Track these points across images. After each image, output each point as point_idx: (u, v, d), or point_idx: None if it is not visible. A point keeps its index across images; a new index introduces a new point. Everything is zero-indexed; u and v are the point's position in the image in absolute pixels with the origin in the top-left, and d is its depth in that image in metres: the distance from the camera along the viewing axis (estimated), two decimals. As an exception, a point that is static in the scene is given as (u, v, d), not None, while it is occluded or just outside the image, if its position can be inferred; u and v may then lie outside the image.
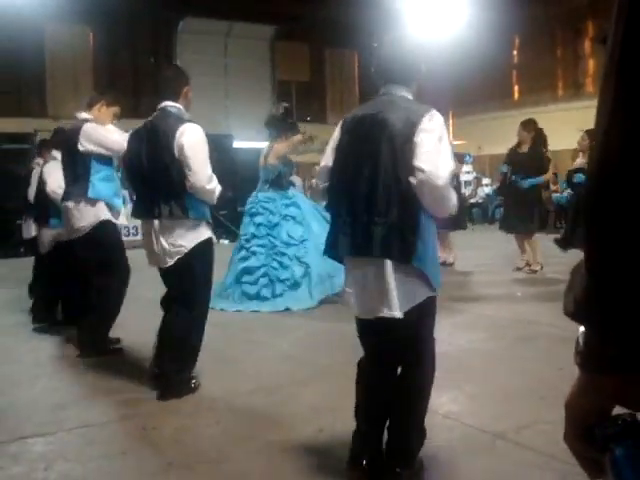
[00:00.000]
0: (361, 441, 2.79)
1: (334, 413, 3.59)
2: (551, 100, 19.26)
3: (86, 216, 4.96)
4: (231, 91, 19.66)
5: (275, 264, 6.86)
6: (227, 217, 14.12)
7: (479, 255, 10.22)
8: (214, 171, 4.03)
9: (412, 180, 2.53)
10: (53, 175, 6.03)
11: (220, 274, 6.32)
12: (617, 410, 0.81)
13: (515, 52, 21.06)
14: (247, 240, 7.05)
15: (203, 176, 3.90)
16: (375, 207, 2.61)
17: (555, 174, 17.33)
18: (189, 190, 3.91)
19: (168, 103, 4.07)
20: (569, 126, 16.05)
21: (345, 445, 2.96)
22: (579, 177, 7.72)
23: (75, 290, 5.81)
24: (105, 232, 4.99)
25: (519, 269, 8.66)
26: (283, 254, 6.89)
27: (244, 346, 5.15)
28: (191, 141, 3.90)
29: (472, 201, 17.94)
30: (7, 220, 12.71)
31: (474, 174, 19.32)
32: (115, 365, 4.78)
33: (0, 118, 15.62)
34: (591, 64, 18.69)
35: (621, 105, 0.71)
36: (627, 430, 0.78)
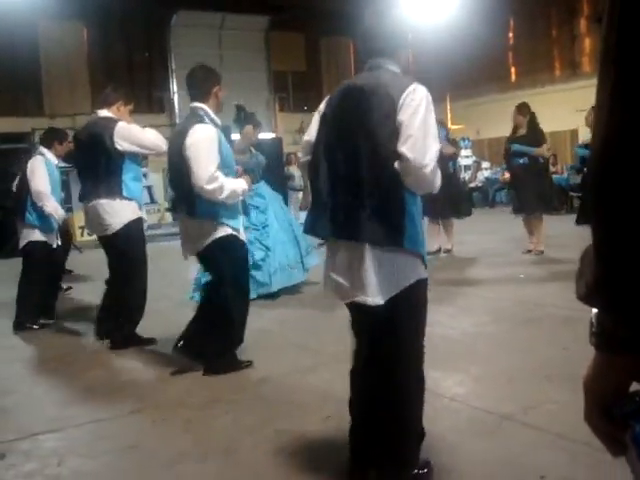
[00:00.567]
0: (350, 439, 2.72)
1: (341, 400, 3.61)
2: (548, 81, 19.17)
3: (120, 214, 5.04)
4: (226, 83, 19.43)
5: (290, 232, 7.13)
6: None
7: (481, 239, 10.21)
8: None
9: (397, 165, 2.40)
10: (37, 172, 5.99)
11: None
12: (634, 387, 0.82)
13: (511, 34, 20.94)
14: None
15: (202, 176, 3.90)
16: (357, 189, 2.47)
17: (555, 155, 17.31)
18: (195, 190, 3.97)
19: (195, 104, 4.18)
20: (567, 106, 16.02)
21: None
22: (581, 151, 7.67)
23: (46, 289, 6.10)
24: (135, 229, 5.10)
25: (529, 252, 8.59)
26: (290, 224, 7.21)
27: (250, 336, 5.15)
28: (193, 141, 3.95)
29: (472, 185, 17.90)
30: (6, 220, 12.69)
31: (473, 158, 19.28)
32: (121, 360, 4.81)
33: (-3, 118, 15.60)
34: (587, 43, 18.59)
35: (620, 90, 0.72)
36: None
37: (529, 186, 8.36)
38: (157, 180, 15.41)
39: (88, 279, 8.44)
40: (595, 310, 0.83)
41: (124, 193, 5.02)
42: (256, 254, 6.82)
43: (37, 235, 6.09)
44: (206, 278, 6.58)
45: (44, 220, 6.06)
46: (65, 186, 13.36)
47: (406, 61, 2.69)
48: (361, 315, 2.60)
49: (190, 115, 4.22)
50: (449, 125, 19.76)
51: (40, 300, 6.18)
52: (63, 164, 7.32)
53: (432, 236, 9.29)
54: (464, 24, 17.93)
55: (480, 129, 19.99)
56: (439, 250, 9.26)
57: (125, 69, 19.08)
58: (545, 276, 6.99)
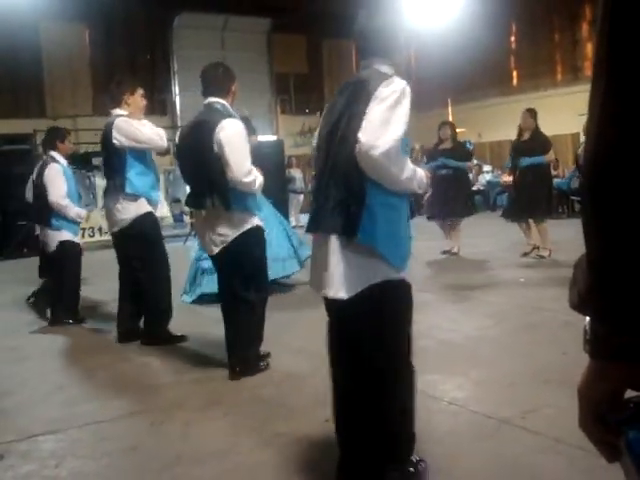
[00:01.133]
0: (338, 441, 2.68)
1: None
2: (550, 85, 19.19)
3: (127, 210, 5.09)
4: (229, 85, 19.64)
5: (282, 227, 7.34)
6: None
7: (482, 242, 10.21)
8: None
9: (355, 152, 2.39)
10: (55, 183, 6.10)
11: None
12: (629, 393, 0.82)
13: (513, 38, 20.96)
14: None
15: (240, 170, 4.00)
16: (329, 182, 2.50)
17: (556, 159, 17.31)
18: (230, 183, 4.02)
19: (213, 99, 4.21)
20: (569, 111, 16.02)
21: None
22: None
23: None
24: (146, 225, 5.11)
25: (526, 254, 8.61)
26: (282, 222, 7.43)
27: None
28: (229, 136, 4.01)
29: (474, 188, 17.90)
30: (8, 221, 12.72)
31: (475, 161, 19.27)
32: (122, 362, 4.81)
33: (-1, 119, 15.64)
34: (589, 48, 18.59)
35: (611, 99, 0.73)
36: (639, 413, 0.80)
37: (528, 192, 8.35)
38: (163, 180, 15.39)
39: (88, 281, 8.42)
40: (588, 318, 0.83)
41: (127, 190, 5.04)
42: None
43: (65, 235, 6.22)
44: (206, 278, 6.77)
45: (69, 222, 6.22)
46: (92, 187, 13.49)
47: (401, 61, 2.70)
48: (329, 309, 2.63)
49: (208, 110, 4.20)
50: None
51: (76, 296, 6.31)
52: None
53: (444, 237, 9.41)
54: (466, 28, 17.96)
55: (482, 133, 20.01)
56: (450, 251, 9.35)
57: (127, 71, 19.07)
58: (545, 280, 6.98)
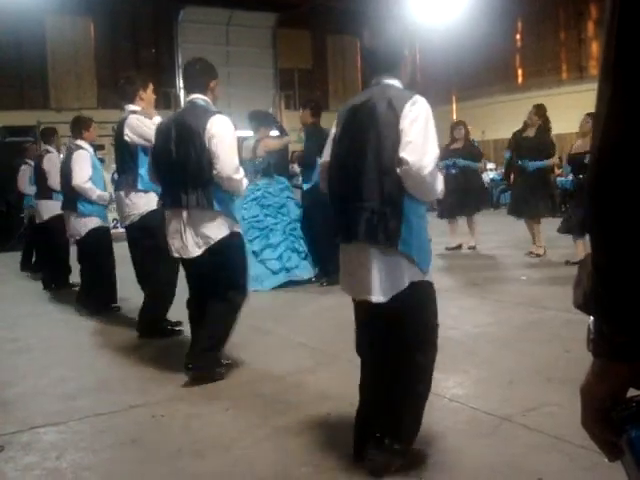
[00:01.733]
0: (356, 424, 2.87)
1: (341, 399, 3.62)
2: (555, 83, 19.13)
3: (137, 205, 5.16)
4: (233, 80, 19.56)
5: (292, 238, 7.47)
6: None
7: (484, 240, 10.20)
8: None
9: (397, 170, 2.58)
10: (79, 166, 6.21)
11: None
12: (632, 392, 0.82)
13: (518, 35, 20.89)
14: (258, 221, 7.41)
15: (230, 165, 3.97)
16: (361, 194, 2.67)
17: (560, 158, 17.27)
18: (215, 179, 3.96)
19: (196, 96, 4.16)
20: (574, 109, 15.92)
21: (352, 429, 2.99)
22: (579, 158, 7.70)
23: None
24: (156, 219, 5.05)
25: (532, 253, 8.61)
26: (295, 229, 7.53)
27: (251, 334, 5.17)
28: (221, 132, 3.98)
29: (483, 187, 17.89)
30: (12, 212, 12.74)
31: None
32: (123, 355, 4.82)
33: (2, 111, 15.62)
34: (595, 47, 18.54)
35: (617, 100, 0.72)
36: None
37: (528, 189, 8.35)
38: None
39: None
40: (592, 317, 0.83)
41: (139, 186, 5.13)
42: (303, 244, 7.50)
43: (95, 222, 6.27)
44: None
45: (97, 206, 6.27)
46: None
47: (406, 74, 2.86)
48: (368, 312, 2.78)
49: (192, 106, 4.13)
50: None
51: (113, 281, 6.35)
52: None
53: (450, 233, 9.58)
54: (472, 25, 17.91)
55: (486, 130, 19.95)
56: (459, 246, 9.40)
57: (132, 64, 19.05)
58: (547, 278, 6.98)
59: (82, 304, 6.38)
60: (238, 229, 4.18)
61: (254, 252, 7.16)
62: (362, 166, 2.67)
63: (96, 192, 6.24)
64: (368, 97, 2.76)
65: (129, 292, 6.17)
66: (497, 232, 11.10)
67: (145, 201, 5.14)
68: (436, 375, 3.95)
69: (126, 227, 5.37)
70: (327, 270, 7.07)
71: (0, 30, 16.01)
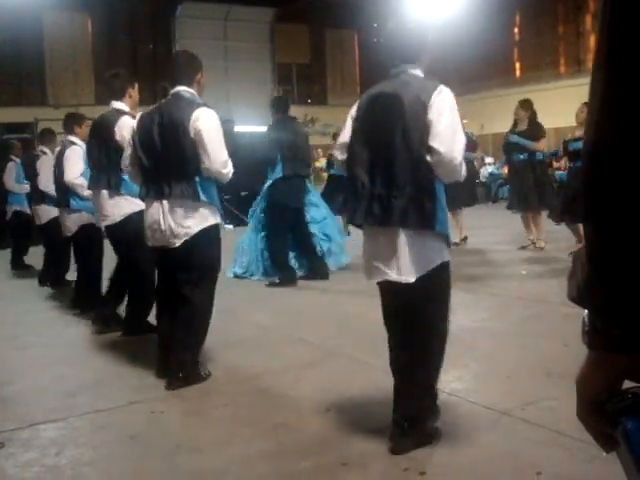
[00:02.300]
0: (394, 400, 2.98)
1: (340, 394, 3.63)
2: (553, 77, 19.13)
3: (118, 207, 5.04)
4: (231, 75, 19.59)
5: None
6: (231, 202, 14.03)
7: (483, 234, 10.21)
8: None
9: (429, 159, 2.71)
10: (71, 162, 6.12)
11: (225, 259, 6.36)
12: (627, 384, 0.82)
13: (516, 29, 20.88)
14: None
15: (219, 160, 3.93)
16: (393, 181, 2.78)
17: (557, 151, 17.27)
18: (204, 173, 3.94)
19: (181, 88, 4.09)
20: (572, 103, 15.94)
21: (351, 424, 3.00)
22: (572, 145, 7.72)
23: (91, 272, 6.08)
24: (137, 221, 5.01)
25: (524, 247, 8.66)
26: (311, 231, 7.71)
27: (250, 330, 5.17)
28: (207, 125, 3.92)
29: (475, 180, 17.89)
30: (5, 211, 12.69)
31: (478, 154, 19.23)
32: (122, 352, 4.82)
33: (0, 108, 15.61)
34: (593, 40, 18.45)
35: (610, 94, 0.72)
36: (637, 403, 0.80)
37: (526, 182, 8.39)
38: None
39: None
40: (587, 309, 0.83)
41: (122, 191, 4.98)
42: (323, 245, 7.69)
43: (85, 217, 6.15)
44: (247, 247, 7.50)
45: (88, 202, 6.11)
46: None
47: (428, 65, 2.96)
48: (395, 292, 2.88)
49: (177, 98, 4.06)
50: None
51: (99, 280, 6.26)
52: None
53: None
54: (469, 19, 17.89)
55: (484, 124, 19.96)
56: (464, 238, 9.40)
57: (129, 60, 19.06)
58: (546, 272, 6.99)
59: (72, 302, 6.38)
60: (218, 219, 4.10)
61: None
62: (393, 155, 2.78)
63: (86, 189, 6.07)
64: (393, 86, 2.85)
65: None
66: (497, 226, 11.10)
67: (126, 204, 5.00)
68: (435, 370, 3.97)
69: (106, 227, 5.21)
70: (280, 268, 7.24)
71: (-3, 27, 15.98)
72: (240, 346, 4.63)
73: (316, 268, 7.38)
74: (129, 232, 4.97)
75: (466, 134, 9.19)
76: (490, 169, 19.39)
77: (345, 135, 3.06)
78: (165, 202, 3.95)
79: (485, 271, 7.43)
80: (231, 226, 12.81)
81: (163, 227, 3.96)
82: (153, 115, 4.07)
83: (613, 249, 0.75)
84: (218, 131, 4.00)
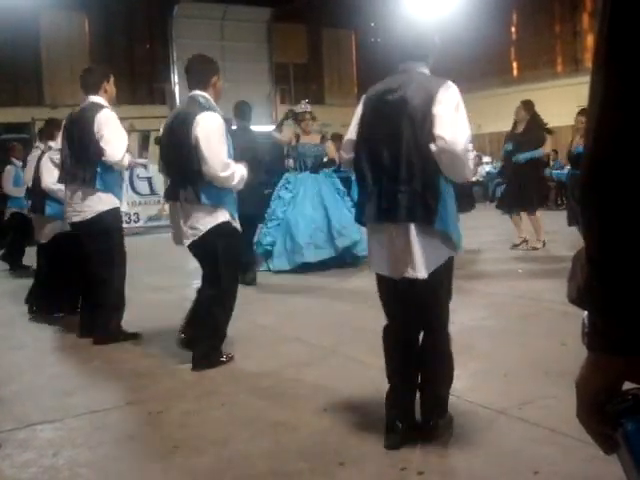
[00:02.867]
0: (394, 400, 2.97)
1: (338, 394, 3.62)
2: (550, 76, 19.14)
3: (90, 203, 4.95)
4: (228, 74, 19.51)
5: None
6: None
7: (481, 233, 10.21)
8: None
9: (432, 147, 2.70)
10: (47, 169, 6.03)
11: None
12: (627, 385, 0.82)
13: (513, 28, 20.88)
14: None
15: (216, 164, 3.99)
16: (399, 177, 2.80)
17: (555, 150, 17.27)
18: (205, 176, 4.01)
19: (196, 92, 4.19)
20: (568, 102, 15.96)
21: (349, 424, 3.00)
22: (578, 149, 7.73)
23: (75, 280, 5.85)
24: (109, 220, 4.99)
25: (515, 246, 8.68)
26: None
27: (248, 329, 5.17)
28: (205, 130, 3.99)
29: (473, 180, 17.90)
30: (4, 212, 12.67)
31: (474, 152, 19.23)
32: (119, 351, 4.81)
33: (-3, 108, 15.60)
34: (590, 39, 18.52)
35: (612, 91, 0.72)
36: (637, 404, 0.80)
37: (524, 182, 8.36)
38: (157, 171, 15.30)
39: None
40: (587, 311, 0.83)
41: (97, 185, 4.91)
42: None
43: (61, 225, 5.97)
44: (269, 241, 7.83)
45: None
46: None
47: (433, 63, 2.99)
48: (408, 288, 2.89)
49: (191, 102, 4.21)
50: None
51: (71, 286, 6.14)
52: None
53: None
54: (467, 18, 17.88)
55: (481, 123, 19.94)
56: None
57: (126, 60, 19.06)
58: (543, 271, 7.00)
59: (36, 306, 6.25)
60: (227, 218, 4.16)
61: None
62: (399, 150, 2.78)
63: (62, 194, 5.86)
64: (399, 83, 2.86)
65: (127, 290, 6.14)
66: (493, 226, 11.11)
67: (101, 199, 4.94)
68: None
69: (75, 224, 5.10)
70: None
71: (-6, 26, 15.94)
72: (238, 346, 4.63)
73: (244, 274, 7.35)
74: (99, 230, 4.93)
75: None
76: (487, 168, 19.39)
77: (352, 133, 3.06)
78: (179, 205, 4.16)
79: (482, 270, 7.44)
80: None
81: (181, 228, 4.17)
82: (170, 120, 4.29)
83: (613, 250, 0.74)
84: (216, 135, 4.03)
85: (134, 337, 5.08)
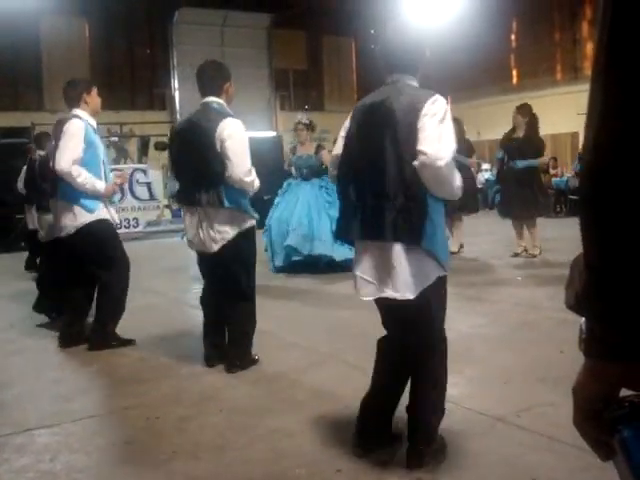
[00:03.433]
0: (367, 404, 2.92)
1: (336, 399, 3.62)
2: (550, 84, 19.19)
3: (71, 218, 4.91)
4: (228, 80, 19.64)
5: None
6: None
7: (480, 240, 10.22)
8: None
9: (415, 163, 2.59)
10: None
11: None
12: (624, 392, 0.82)
13: (513, 36, 20.95)
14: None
15: (242, 168, 4.07)
16: (383, 192, 2.68)
17: (555, 158, 17.30)
18: (227, 180, 4.07)
19: (210, 99, 4.24)
20: (568, 110, 16.03)
21: (346, 429, 2.99)
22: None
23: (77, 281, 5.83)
24: (97, 229, 4.94)
25: (517, 255, 8.67)
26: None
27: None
28: (232, 135, 4.07)
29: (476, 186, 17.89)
30: (7, 214, 12.71)
31: (474, 159, 19.24)
32: (118, 356, 4.81)
33: (-3, 112, 15.61)
34: (589, 48, 18.58)
35: (611, 105, 0.73)
36: (634, 411, 0.80)
37: (518, 190, 8.37)
38: (156, 177, 15.33)
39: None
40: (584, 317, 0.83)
41: (74, 201, 4.86)
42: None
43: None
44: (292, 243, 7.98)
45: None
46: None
47: (423, 76, 2.88)
48: (391, 309, 2.81)
49: (205, 108, 4.23)
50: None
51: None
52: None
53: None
54: (467, 26, 17.95)
55: (481, 131, 19.99)
56: (458, 249, 9.35)
57: (127, 65, 19.11)
58: (542, 279, 7.00)
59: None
60: (252, 223, 4.28)
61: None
62: (384, 165, 2.68)
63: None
64: (386, 95, 2.77)
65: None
66: (491, 233, 11.11)
67: (80, 213, 4.89)
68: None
69: (64, 239, 5.04)
70: None
71: (-6, 31, 15.97)
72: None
73: None
74: (86, 243, 4.92)
75: (466, 139, 9.20)
76: (487, 175, 19.41)
77: (337, 148, 2.98)
78: (199, 210, 4.18)
79: (481, 277, 7.44)
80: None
81: (201, 234, 4.20)
82: (185, 125, 4.33)
83: (612, 257, 0.75)
84: (242, 140, 4.14)
85: (128, 343, 5.08)
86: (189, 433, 3.34)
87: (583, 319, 0.83)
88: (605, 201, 0.74)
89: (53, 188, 5.09)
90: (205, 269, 4.47)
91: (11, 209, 12.14)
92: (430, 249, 2.68)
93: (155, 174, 15.27)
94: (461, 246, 9.43)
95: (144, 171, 14.88)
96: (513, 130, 8.68)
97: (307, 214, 8.11)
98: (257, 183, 4.23)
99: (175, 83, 19.79)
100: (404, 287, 2.67)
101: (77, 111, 5.05)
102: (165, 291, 7.41)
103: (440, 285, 2.77)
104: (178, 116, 18.42)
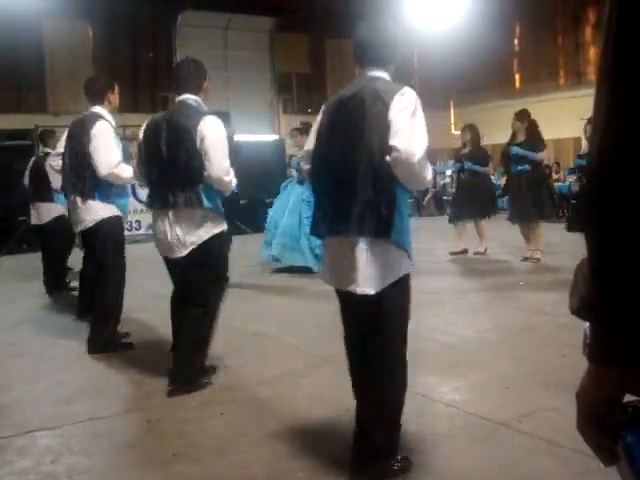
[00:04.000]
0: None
1: (335, 402, 3.62)
2: (553, 89, 19.17)
3: (91, 212, 4.96)
4: (231, 84, 19.60)
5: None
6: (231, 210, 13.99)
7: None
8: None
9: (387, 159, 2.55)
10: (51, 174, 6.45)
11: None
12: (628, 397, 0.82)
13: (516, 40, 20.94)
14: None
15: (221, 168, 3.94)
16: (351, 186, 2.63)
17: (557, 163, 17.29)
18: (205, 180, 3.94)
19: (187, 96, 4.10)
20: (571, 114, 16.01)
21: (346, 434, 2.99)
22: (578, 161, 7.75)
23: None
24: (110, 228, 5.00)
25: (526, 259, 8.61)
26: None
27: (244, 338, 5.16)
28: (212, 133, 3.94)
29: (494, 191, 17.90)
30: (9, 216, 12.72)
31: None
32: (119, 359, 4.81)
33: (0, 115, 15.62)
34: (592, 52, 18.58)
35: (616, 102, 0.73)
36: (638, 417, 0.80)
37: (526, 194, 8.38)
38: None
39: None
40: (588, 322, 0.83)
41: (96, 198, 4.93)
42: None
43: (60, 210, 6.84)
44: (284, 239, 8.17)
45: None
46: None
47: (395, 72, 2.83)
48: (352, 303, 2.74)
49: (183, 107, 4.07)
50: (453, 130, 19.78)
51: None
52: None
53: (456, 238, 9.60)
54: (469, 30, 17.95)
55: (484, 135, 19.97)
56: (464, 251, 9.40)
57: (130, 68, 19.11)
58: (544, 283, 6.98)
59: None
60: (224, 227, 4.12)
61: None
62: (352, 159, 2.63)
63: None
64: (356, 89, 2.73)
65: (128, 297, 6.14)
66: (494, 237, 11.07)
67: (100, 207, 4.95)
68: (432, 380, 3.98)
69: (81, 233, 5.19)
70: None
71: (-2, 33, 16.00)
72: (235, 354, 4.62)
73: None
74: (102, 237, 4.97)
75: (481, 147, 9.37)
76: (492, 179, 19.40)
77: (309, 143, 2.96)
78: (171, 213, 3.97)
79: (484, 282, 7.43)
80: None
81: (169, 237, 3.99)
82: (159, 123, 4.07)
83: (616, 261, 0.75)
84: (222, 139, 4.01)
85: (127, 347, 5.09)
86: (190, 436, 3.34)
87: (587, 324, 0.83)
88: (609, 203, 0.74)
89: (79, 185, 5.02)
90: (172, 275, 4.29)
91: (14, 211, 12.16)
92: (399, 241, 2.64)
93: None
94: (465, 251, 9.50)
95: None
96: (514, 136, 8.68)
97: (290, 224, 8.33)
98: (234, 183, 4.09)
99: (178, 86, 19.78)
100: (365, 282, 2.62)
101: (98, 108, 5.06)
102: (166, 294, 7.39)
103: (405, 284, 2.70)
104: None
